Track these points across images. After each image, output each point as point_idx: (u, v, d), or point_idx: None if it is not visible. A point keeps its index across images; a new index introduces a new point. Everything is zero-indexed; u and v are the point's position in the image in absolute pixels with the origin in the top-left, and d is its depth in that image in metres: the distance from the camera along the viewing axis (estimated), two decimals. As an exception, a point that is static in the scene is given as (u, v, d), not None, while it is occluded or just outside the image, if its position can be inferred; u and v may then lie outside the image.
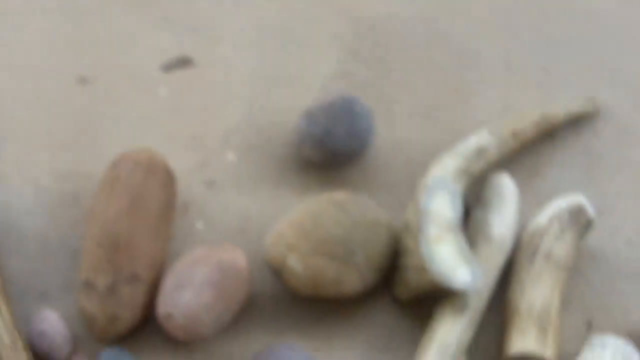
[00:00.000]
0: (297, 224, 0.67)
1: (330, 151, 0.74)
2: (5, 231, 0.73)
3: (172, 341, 0.69)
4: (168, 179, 0.71)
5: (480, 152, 0.73)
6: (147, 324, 0.70)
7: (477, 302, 0.67)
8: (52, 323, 0.67)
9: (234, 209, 0.75)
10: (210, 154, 0.78)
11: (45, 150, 0.78)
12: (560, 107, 0.79)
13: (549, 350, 0.66)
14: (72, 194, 0.75)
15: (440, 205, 0.68)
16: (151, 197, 0.69)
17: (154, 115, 0.80)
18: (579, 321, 0.71)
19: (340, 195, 0.69)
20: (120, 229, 0.67)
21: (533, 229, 0.71)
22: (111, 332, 0.67)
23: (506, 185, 0.72)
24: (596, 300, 0.72)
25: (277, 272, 0.67)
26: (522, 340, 0.66)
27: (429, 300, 0.71)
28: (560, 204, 0.72)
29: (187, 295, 0.65)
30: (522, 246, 0.71)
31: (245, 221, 0.75)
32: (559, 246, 0.69)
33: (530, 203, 0.76)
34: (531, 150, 0.79)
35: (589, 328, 0.71)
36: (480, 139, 0.74)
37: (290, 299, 0.71)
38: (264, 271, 0.72)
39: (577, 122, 0.81)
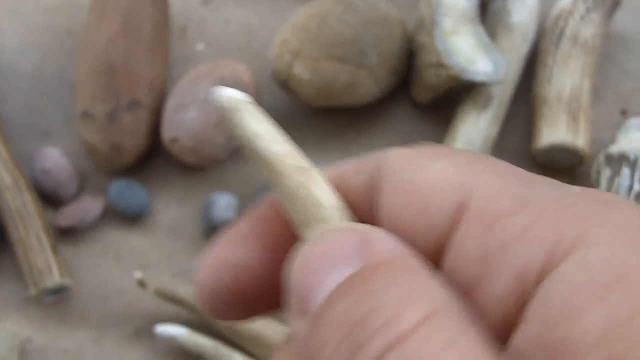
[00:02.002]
0: (301, 27, 0.62)
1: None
2: (-3, 72, 0.69)
3: (184, 167, 0.66)
4: (158, -6, 0.66)
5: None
6: (155, 153, 0.66)
7: (502, 95, 0.63)
8: (56, 160, 0.64)
9: (236, 25, 0.70)
10: (205, -29, 0.73)
11: (29, -17, 0.73)
12: None
13: (581, 140, 0.62)
14: (64, 27, 0.71)
15: (454, -6, 0.62)
16: (143, 16, 0.64)
17: None
18: (614, 110, 0.67)
19: (344, -7, 0.64)
20: (114, 53, 0.63)
21: (557, 12, 0.65)
22: (117, 163, 0.63)
23: (525, -31, 0.66)
24: (630, 87, 0.67)
25: (285, 83, 0.63)
26: (551, 131, 0.62)
27: (450, 102, 0.66)
28: (586, -16, 0.66)
29: (191, 114, 0.61)
30: (546, 31, 0.66)
31: (248, 36, 0.70)
32: (586, 27, 0.64)
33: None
34: None
35: (624, 116, 0.66)
36: None
37: (303, 113, 0.67)
38: (273, 87, 0.67)
39: None
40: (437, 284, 0.18)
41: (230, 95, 0.22)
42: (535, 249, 0.17)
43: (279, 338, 0.59)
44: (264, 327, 0.59)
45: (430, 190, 0.19)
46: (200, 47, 0.70)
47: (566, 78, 0.63)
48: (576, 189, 0.19)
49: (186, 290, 0.60)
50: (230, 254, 0.23)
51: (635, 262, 0.16)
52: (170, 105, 0.62)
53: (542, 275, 0.17)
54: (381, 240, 0.19)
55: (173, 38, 0.70)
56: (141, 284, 0.60)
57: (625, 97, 0.67)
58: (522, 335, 0.17)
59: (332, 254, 0.19)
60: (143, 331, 0.62)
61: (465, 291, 0.18)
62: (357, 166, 0.22)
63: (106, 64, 0.63)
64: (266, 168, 0.22)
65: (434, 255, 0.19)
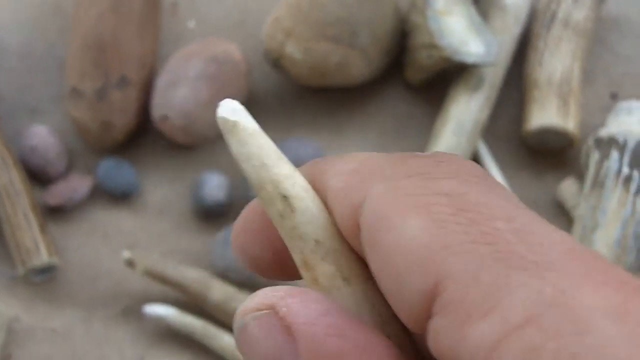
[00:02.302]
0: (294, 6, 0.62)
1: None
2: (-16, 48, 0.68)
3: (174, 146, 0.65)
4: (148, -29, 0.65)
5: None
6: (145, 131, 0.66)
7: (493, 77, 0.63)
8: (43, 137, 0.63)
9: (228, 2, 0.70)
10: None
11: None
12: None
13: (571, 123, 0.62)
14: (53, 3, 0.70)
15: (447, -25, 0.62)
16: (133, -7, 0.63)
17: None
18: (604, 93, 0.67)
19: (337, -27, 0.63)
20: (104, 30, 0.62)
21: (549, -5, 0.65)
22: (106, 141, 0.63)
23: (518, -49, 0.66)
24: (621, 70, 0.67)
25: (277, 62, 0.62)
26: (542, 113, 0.62)
27: (442, 83, 0.66)
28: (578, -34, 0.66)
29: (181, 92, 0.61)
30: (538, 14, 0.66)
31: (241, 15, 0.69)
32: (578, 10, 0.64)
33: (544, -29, 0.70)
34: None
35: (614, 99, 0.66)
36: None
37: (295, 92, 0.67)
38: (265, 66, 0.67)
39: None
40: None
41: (225, 115, 0.22)
42: None
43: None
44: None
45: (404, 265, 0.19)
46: (191, 24, 0.69)
47: (557, 61, 0.63)
48: (558, 263, 0.18)
49: (175, 270, 0.59)
50: (246, 246, 0.24)
51: None
52: (161, 83, 0.62)
53: None
54: (304, 332, 0.19)
55: (164, 15, 0.69)
56: (130, 263, 0.60)
57: (616, 80, 0.67)
58: None
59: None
60: (131, 311, 0.61)
61: None
62: (344, 191, 0.21)
63: (96, 41, 0.62)
64: (256, 192, 0.22)
65: (421, 322, 0.19)
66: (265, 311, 0.20)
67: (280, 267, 0.24)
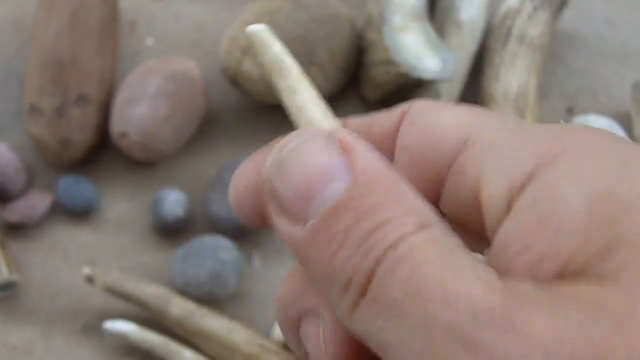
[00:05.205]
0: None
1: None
2: (-57, 65, 0.68)
3: (133, 163, 0.65)
4: (106, -12, 0.66)
5: None
6: (104, 148, 0.66)
7: (450, 92, 0.63)
8: (2, 154, 0.63)
9: (186, 20, 0.70)
10: (156, -36, 0.72)
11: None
12: None
13: (527, 137, 0.62)
14: (11, 19, 0.70)
15: (403, -8, 0.63)
16: (91, 11, 0.64)
17: None
18: (560, 108, 0.68)
19: (294, -10, 0.64)
20: (62, 48, 0.62)
21: (505, 11, 0.66)
22: (65, 158, 0.63)
23: (474, -32, 0.67)
24: (576, 85, 0.68)
25: (234, 79, 0.63)
26: (499, 128, 0.62)
27: (400, 98, 0.67)
28: (533, -17, 0.67)
29: (140, 109, 0.61)
30: (494, 30, 0.66)
31: (198, 32, 0.70)
32: (533, 26, 0.65)
33: (501, -13, 0.71)
34: None
35: (570, 113, 0.67)
36: None
37: (253, 109, 0.67)
38: (223, 83, 0.68)
39: None
40: (421, 199, 0.20)
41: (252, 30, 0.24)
42: (525, 159, 0.19)
43: (229, 335, 0.59)
44: (213, 323, 0.59)
45: (442, 128, 0.22)
46: (149, 42, 0.69)
47: (513, 76, 0.63)
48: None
49: (135, 286, 0.59)
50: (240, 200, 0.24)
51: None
52: (119, 100, 0.62)
53: (529, 179, 0.19)
54: (359, 151, 0.20)
55: (122, 33, 0.69)
56: (90, 279, 0.60)
57: (571, 95, 0.68)
58: (508, 225, 0.19)
59: (324, 168, 0.20)
60: (92, 327, 0.61)
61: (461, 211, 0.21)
62: (385, 114, 0.24)
63: (54, 58, 0.62)
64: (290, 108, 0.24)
65: (435, 184, 0.22)
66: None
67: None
